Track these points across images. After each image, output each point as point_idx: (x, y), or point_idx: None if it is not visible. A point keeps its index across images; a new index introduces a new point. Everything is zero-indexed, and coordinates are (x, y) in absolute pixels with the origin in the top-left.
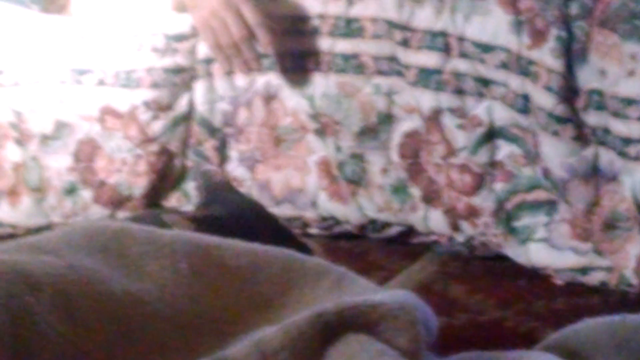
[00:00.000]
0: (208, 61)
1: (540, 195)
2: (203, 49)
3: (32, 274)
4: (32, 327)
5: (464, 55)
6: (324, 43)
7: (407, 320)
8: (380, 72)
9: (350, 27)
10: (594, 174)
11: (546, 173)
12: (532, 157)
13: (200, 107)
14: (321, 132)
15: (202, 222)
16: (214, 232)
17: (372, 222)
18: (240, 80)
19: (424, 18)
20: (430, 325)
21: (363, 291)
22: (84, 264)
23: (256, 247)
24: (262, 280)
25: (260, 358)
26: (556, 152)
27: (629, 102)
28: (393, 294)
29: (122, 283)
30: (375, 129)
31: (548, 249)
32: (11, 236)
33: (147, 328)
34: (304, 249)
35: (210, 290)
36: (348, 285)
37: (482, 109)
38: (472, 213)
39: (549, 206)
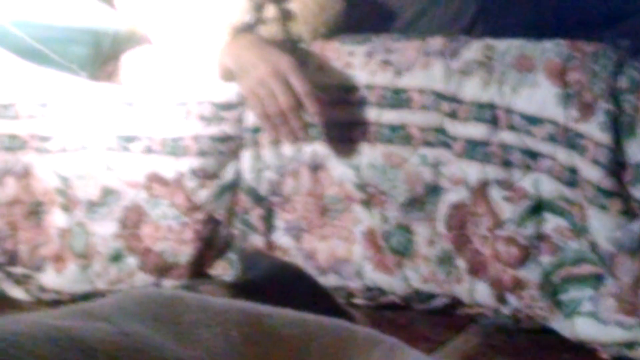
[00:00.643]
0: (255, 130)
1: (586, 268)
2: (250, 118)
3: (86, 340)
4: None
5: (511, 127)
6: (371, 113)
7: None
8: (427, 143)
9: (397, 98)
10: None
11: (593, 246)
12: (579, 230)
13: (247, 175)
14: (367, 202)
15: (241, 289)
16: (253, 299)
17: (417, 292)
18: (287, 149)
19: (472, 89)
20: None
21: None
22: (137, 330)
23: (308, 316)
24: (313, 350)
25: None
26: (603, 226)
27: None
28: None
29: (174, 350)
30: (421, 199)
31: (594, 323)
32: (56, 302)
33: None
34: (346, 315)
35: (262, 359)
36: (400, 356)
37: (529, 182)
38: (518, 285)
39: (596, 280)
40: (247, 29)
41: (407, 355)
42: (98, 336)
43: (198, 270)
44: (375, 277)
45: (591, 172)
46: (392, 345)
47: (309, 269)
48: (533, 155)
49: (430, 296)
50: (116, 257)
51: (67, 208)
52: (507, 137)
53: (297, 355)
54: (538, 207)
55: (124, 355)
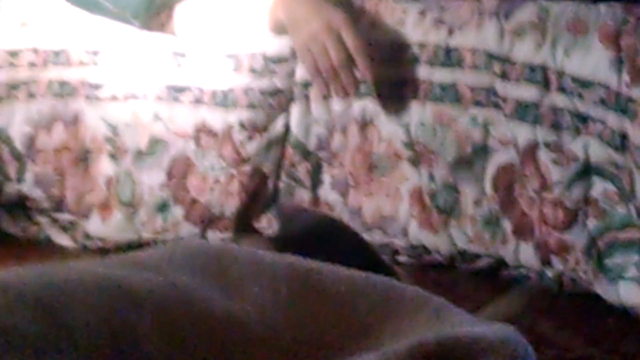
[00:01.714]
0: (305, 84)
1: (633, 234)
2: (301, 72)
3: (135, 290)
4: (133, 344)
5: (562, 90)
6: (423, 71)
7: (508, 355)
8: (477, 103)
9: (449, 57)
10: None
11: None
12: (627, 195)
13: (296, 130)
14: (415, 160)
15: (283, 243)
16: (295, 253)
17: (462, 253)
18: (337, 104)
19: (524, 51)
20: None
21: (462, 323)
22: (185, 282)
23: (356, 273)
24: (360, 308)
25: None
26: None
27: None
28: (494, 328)
29: (222, 303)
30: (469, 160)
31: (639, 288)
32: (101, 250)
33: (246, 350)
34: (389, 271)
35: (309, 315)
36: (447, 317)
37: (578, 145)
38: (563, 249)
39: None
40: None
41: (454, 316)
42: (147, 286)
43: (243, 222)
44: (420, 235)
45: None
46: (439, 305)
47: (355, 225)
48: (583, 118)
49: (475, 256)
50: (162, 207)
51: (115, 156)
52: (557, 99)
53: (344, 312)
54: (586, 171)
55: (171, 306)
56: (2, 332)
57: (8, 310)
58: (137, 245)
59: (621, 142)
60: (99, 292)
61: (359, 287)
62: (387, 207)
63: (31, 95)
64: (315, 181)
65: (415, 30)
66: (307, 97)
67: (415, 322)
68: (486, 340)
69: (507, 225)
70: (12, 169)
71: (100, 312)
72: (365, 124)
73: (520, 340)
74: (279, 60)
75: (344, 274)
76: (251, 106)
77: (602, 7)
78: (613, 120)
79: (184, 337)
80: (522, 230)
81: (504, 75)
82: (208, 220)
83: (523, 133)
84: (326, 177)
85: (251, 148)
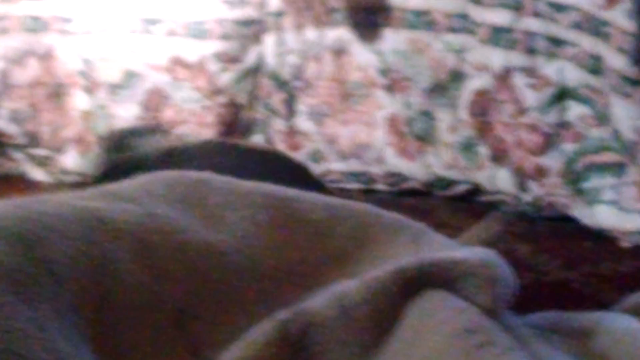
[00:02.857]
0: (279, 14)
1: (609, 157)
2: (274, 2)
3: (113, 221)
4: (113, 275)
5: (536, 14)
6: None
7: (488, 278)
8: (451, 29)
9: None
10: None
11: (616, 135)
12: (602, 118)
13: (270, 60)
14: (390, 88)
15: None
16: None
17: (439, 179)
18: (311, 33)
19: None
20: (509, 283)
21: (441, 247)
22: (164, 212)
23: (333, 200)
24: (339, 234)
25: (341, 312)
26: (627, 114)
27: None
28: (474, 251)
29: (201, 233)
30: (444, 86)
31: (615, 211)
32: (77, 184)
33: (225, 278)
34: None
35: (288, 242)
36: (426, 242)
37: (553, 69)
38: (540, 173)
39: (618, 168)
40: None
41: (433, 241)
42: (125, 217)
43: None
44: (397, 162)
45: (616, 60)
46: (418, 230)
47: (331, 153)
48: (557, 42)
49: (452, 182)
50: None
51: (89, 90)
52: (531, 23)
53: (322, 239)
54: (562, 95)
55: (149, 236)
56: None
57: None
58: None
59: (596, 65)
60: (78, 224)
61: (337, 213)
62: (363, 135)
63: (4, 31)
64: (291, 111)
65: None
66: (280, 27)
67: (395, 247)
68: (467, 263)
69: (483, 151)
70: None
71: (79, 244)
72: (339, 52)
73: (501, 262)
74: None
75: (321, 201)
76: (225, 37)
77: None
78: (587, 43)
79: (164, 267)
80: (499, 156)
81: (477, 1)
82: None
83: (497, 58)
84: (302, 107)
85: (226, 79)
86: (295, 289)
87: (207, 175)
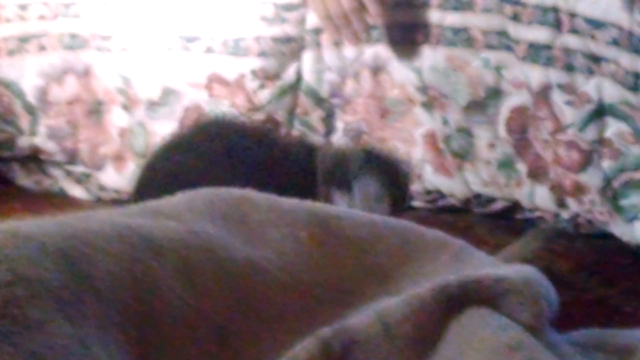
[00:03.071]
0: (317, 31)
1: None
2: (312, 19)
3: (156, 238)
4: (155, 292)
5: (574, 31)
6: (434, 16)
7: (531, 295)
8: (490, 46)
9: (460, 0)
10: None
11: None
12: None
13: (308, 77)
14: (428, 105)
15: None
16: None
17: (477, 196)
18: (349, 51)
19: None
20: (551, 300)
21: (482, 265)
22: (206, 230)
23: (375, 217)
24: (380, 252)
25: (383, 329)
26: None
27: None
28: (515, 268)
29: (243, 250)
30: (483, 103)
31: None
32: (115, 201)
33: (267, 296)
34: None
35: (329, 260)
36: (467, 259)
37: (591, 86)
38: (579, 190)
39: None
40: None
41: (474, 258)
42: (167, 235)
43: None
44: (435, 180)
45: None
46: (460, 247)
47: None
48: (596, 59)
49: (490, 200)
50: None
51: (127, 107)
52: (570, 40)
53: (363, 256)
54: (600, 112)
55: (192, 253)
56: (25, 283)
57: (31, 262)
58: None
59: (634, 82)
60: (120, 241)
61: (378, 231)
62: (400, 152)
63: (42, 48)
64: (329, 128)
65: None
66: (318, 44)
67: (436, 264)
68: (509, 281)
69: (521, 168)
70: (25, 122)
71: (121, 261)
72: (377, 70)
73: (542, 279)
74: (289, 7)
75: (363, 218)
76: (263, 54)
77: None
78: (626, 60)
79: (206, 284)
80: (537, 173)
81: (515, 18)
82: None
83: (536, 75)
84: (339, 124)
85: (264, 96)
86: (336, 306)
87: (248, 192)
